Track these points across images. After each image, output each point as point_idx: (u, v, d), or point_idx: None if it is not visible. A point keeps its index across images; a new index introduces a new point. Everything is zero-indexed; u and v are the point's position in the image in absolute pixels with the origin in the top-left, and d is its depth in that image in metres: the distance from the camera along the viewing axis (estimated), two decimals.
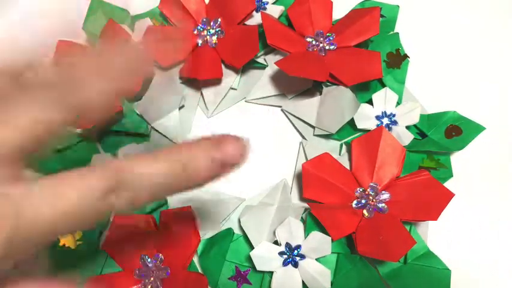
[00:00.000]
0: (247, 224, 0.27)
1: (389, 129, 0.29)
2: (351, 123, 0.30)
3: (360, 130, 0.30)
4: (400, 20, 0.33)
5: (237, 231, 0.28)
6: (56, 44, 0.31)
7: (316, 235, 0.26)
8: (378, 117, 0.30)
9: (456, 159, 0.30)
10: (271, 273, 0.26)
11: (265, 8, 0.33)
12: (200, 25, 0.32)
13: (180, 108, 0.31)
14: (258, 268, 0.25)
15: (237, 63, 0.31)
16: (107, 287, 0.26)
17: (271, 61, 0.32)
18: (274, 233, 0.26)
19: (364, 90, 0.31)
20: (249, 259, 0.26)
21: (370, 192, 0.27)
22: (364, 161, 0.28)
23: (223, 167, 0.15)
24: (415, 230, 0.27)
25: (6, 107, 0.12)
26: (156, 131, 0.31)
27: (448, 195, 0.25)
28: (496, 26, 0.35)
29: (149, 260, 0.26)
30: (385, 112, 0.30)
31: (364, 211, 0.27)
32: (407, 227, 0.27)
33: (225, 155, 0.15)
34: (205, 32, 0.32)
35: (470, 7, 0.35)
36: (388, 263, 0.26)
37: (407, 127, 0.30)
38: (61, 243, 0.27)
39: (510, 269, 0.28)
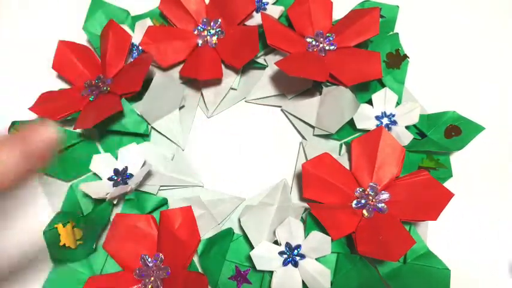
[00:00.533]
0: (247, 224, 0.27)
1: (389, 129, 0.30)
2: (351, 123, 0.30)
3: (360, 130, 0.30)
4: (400, 20, 0.33)
5: (237, 231, 0.29)
6: (57, 45, 0.31)
7: (316, 235, 0.26)
8: (377, 118, 0.30)
9: (456, 159, 0.30)
10: (271, 272, 0.26)
11: (265, 9, 0.33)
12: (200, 25, 0.33)
13: (180, 108, 0.31)
14: (258, 268, 0.25)
15: (237, 64, 0.31)
16: (107, 287, 0.26)
17: (271, 61, 0.32)
18: (274, 232, 0.26)
19: (363, 90, 0.31)
20: (249, 259, 0.26)
21: (370, 192, 0.27)
22: (363, 161, 0.28)
23: (36, 160, 0.15)
24: (415, 230, 0.27)
25: None
26: (156, 131, 0.31)
27: (448, 195, 0.25)
28: (496, 26, 0.35)
29: (149, 259, 0.26)
30: (384, 112, 0.30)
31: (364, 211, 0.27)
32: (407, 227, 0.27)
33: (33, 146, 0.14)
34: (205, 32, 0.32)
35: (470, 7, 0.35)
36: (387, 263, 0.27)
37: (407, 127, 0.30)
38: (61, 243, 0.27)
39: (510, 269, 0.28)
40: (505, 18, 0.35)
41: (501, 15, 0.35)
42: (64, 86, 0.33)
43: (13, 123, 0.28)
